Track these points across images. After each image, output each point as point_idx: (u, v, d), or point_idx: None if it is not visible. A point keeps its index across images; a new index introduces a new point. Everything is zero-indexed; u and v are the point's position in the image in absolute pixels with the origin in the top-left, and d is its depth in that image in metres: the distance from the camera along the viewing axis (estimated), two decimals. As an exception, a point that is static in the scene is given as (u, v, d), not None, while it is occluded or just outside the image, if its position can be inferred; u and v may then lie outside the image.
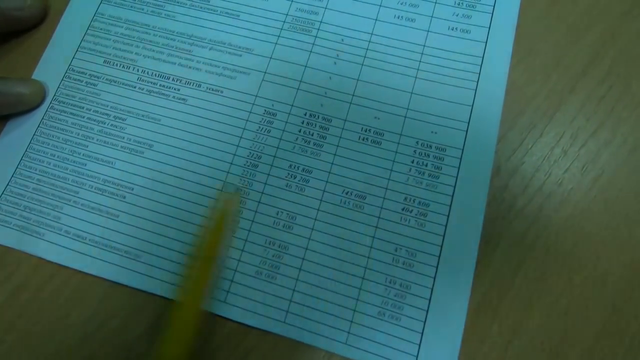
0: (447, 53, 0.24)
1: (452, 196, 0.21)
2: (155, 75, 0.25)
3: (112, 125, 0.24)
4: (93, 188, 0.23)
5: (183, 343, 0.18)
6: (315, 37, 0.25)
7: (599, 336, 0.19)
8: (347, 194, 0.22)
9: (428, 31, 0.24)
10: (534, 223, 0.21)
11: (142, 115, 0.24)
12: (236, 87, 0.24)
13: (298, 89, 0.24)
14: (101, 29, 0.26)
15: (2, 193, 0.23)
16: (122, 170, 0.23)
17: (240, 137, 0.23)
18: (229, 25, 0.26)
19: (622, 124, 0.22)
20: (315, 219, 0.22)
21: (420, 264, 0.21)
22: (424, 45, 0.24)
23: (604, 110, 0.22)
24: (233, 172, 0.23)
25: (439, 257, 0.21)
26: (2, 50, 0.26)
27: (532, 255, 0.20)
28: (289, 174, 0.22)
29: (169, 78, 0.25)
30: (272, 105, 0.24)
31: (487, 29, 0.24)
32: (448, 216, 0.21)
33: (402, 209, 0.21)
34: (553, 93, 0.23)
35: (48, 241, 0.22)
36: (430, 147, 0.22)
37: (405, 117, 0.23)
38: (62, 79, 0.25)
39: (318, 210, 0.22)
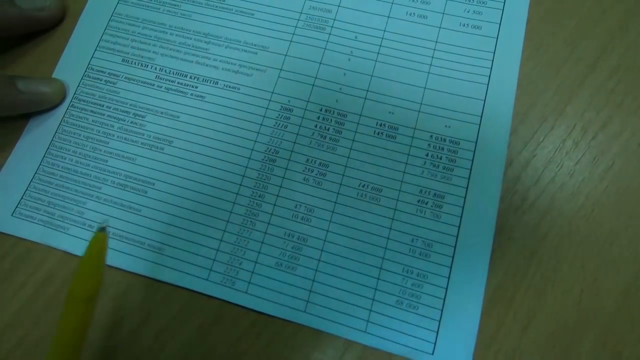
0: (459, 49, 0.24)
1: (467, 188, 0.22)
2: (173, 73, 0.25)
3: (131, 122, 0.25)
4: (115, 183, 0.24)
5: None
6: (329, 34, 0.25)
7: (613, 322, 0.20)
8: (363, 186, 0.22)
9: (440, 27, 0.25)
10: (547, 213, 0.21)
11: (161, 113, 0.25)
12: (253, 84, 0.25)
13: (313, 85, 0.24)
14: (119, 28, 0.27)
15: (27, 189, 0.24)
16: (143, 166, 0.24)
17: (258, 133, 0.24)
18: (244, 23, 0.26)
19: (631, 117, 0.23)
20: (333, 212, 0.22)
21: (437, 254, 0.21)
22: (436, 42, 0.24)
23: (614, 103, 0.23)
24: (251, 166, 0.23)
25: (455, 247, 0.21)
26: (22, 50, 0.27)
27: (545, 245, 0.21)
28: (306, 168, 0.23)
29: (186, 76, 0.25)
30: (289, 101, 0.24)
31: (498, 24, 0.24)
32: (463, 207, 0.22)
33: (418, 201, 0.22)
34: (563, 87, 0.23)
35: (72, 235, 0.23)
36: (444, 140, 0.23)
37: (419, 111, 0.23)
38: (82, 78, 0.26)
39: (335, 203, 0.22)
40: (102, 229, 0.17)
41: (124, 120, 0.25)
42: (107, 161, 0.24)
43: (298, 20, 0.26)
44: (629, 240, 0.21)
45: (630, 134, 0.22)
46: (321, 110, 0.24)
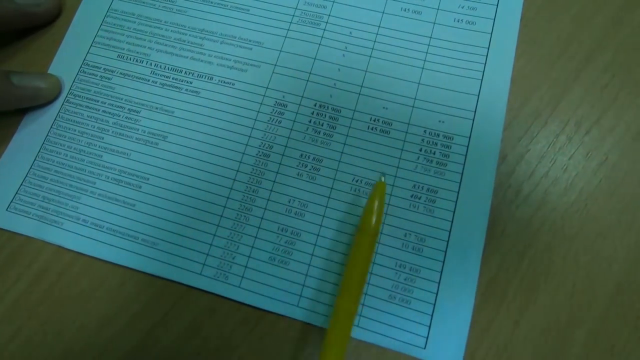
0: (453, 44, 0.24)
1: (460, 183, 0.22)
2: (168, 68, 0.25)
3: (126, 117, 0.25)
4: (109, 178, 0.24)
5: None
6: (324, 30, 0.25)
7: (605, 316, 0.20)
8: (357, 181, 0.22)
9: (434, 23, 0.25)
10: (540, 208, 0.21)
11: (156, 108, 0.25)
12: (247, 79, 0.25)
13: (308, 80, 0.24)
14: (114, 24, 0.27)
15: (21, 184, 0.24)
16: (138, 161, 0.24)
17: (252, 128, 0.24)
18: (239, 19, 0.26)
19: (625, 111, 0.23)
20: (326, 207, 0.22)
21: (430, 249, 0.21)
22: (431, 37, 0.24)
23: (608, 98, 0.23)
24: (245, 161, 0.23)
25: (448, 242, 0.21)
26: (18, 46, 0.27)
27: (538, 239, 0.21)
28: (300, 163, 0.23)
29: (181, 71, 0.25)
30: (283, 96, 0.24)
31: (492, 20, 0.24)
32: (456, 202, 0.22)
33: (411, 196, 0.22)
34: (557, 82, 0.23)
35: (67, 230, 0.23)
36: (438, 135, 0.23)
37: (412, 107, 0.23)
38: (77, 74, 0.26)
39: (329, 197, 0.22)
40: (382, 176, 0.21)
41: (119, 116, 0.25)
42: (101, 156, 0.24)
43: (293, 16, 0.26)
44: (622, 235, 0.21)
45: (623, 128, 0.22)
46: (315, 105, 0.24)
